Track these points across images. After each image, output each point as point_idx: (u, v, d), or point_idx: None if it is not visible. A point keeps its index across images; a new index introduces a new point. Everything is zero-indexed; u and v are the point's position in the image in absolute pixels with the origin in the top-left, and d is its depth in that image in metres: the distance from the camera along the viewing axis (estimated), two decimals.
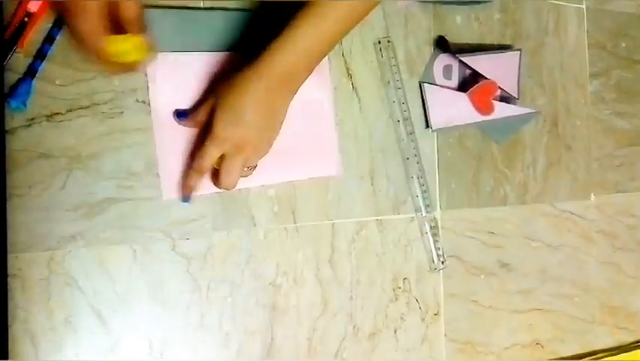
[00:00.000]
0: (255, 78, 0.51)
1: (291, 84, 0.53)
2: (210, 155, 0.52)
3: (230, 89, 0.52)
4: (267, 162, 0.57)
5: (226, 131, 0.51)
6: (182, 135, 0.56)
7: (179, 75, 0.56)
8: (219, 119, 0.51)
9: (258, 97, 0.51)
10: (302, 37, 0.51)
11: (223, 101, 0.52)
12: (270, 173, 0.59)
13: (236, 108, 0.51)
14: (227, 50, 0.58)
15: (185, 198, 0.56)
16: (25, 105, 0.50)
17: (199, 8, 0.58)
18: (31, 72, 0.51)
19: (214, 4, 0.59)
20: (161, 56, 0.53)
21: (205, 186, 0.57)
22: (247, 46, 0.57)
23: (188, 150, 0.57)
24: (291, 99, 0.54)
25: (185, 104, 0.57)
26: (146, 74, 0.55)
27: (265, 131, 0.53)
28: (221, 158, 0.53)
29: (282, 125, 0.55)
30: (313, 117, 0.63)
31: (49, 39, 0.51)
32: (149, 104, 0.56)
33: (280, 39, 0.51)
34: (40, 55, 0.51)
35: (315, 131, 0.63)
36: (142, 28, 0.47)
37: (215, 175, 0.55)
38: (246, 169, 0.55)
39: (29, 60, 0.51)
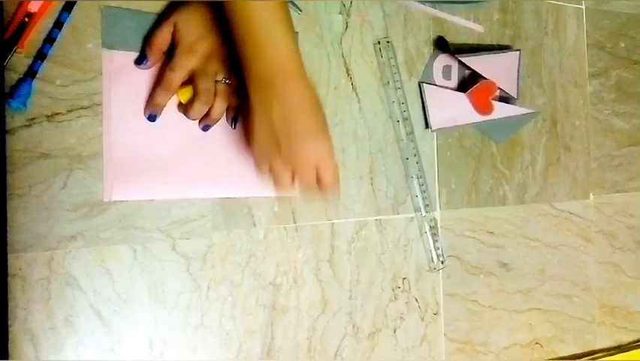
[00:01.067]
0: None
1: None
2: (180, 66, 0.52)
3: (192, 4, 0.52)
4: (225, 177, 0.57)
5: (194, 42, 0.52)
6: (133, 136, 0.55)
7: (133, 74, 0.55)
8: (184, 32, 0.52)
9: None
10: None
11: (186, 16, 0.52)
12: (226, 188, 0.59)
13: (201, 19, 0.52)
14: None
15: (152, 116, 0.55)
16: (25, 106, 0.50)
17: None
18: (31, 73, 0.51)
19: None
20: (115, 54, 0.54)
21: (205, 191, 0.56)
22: None
23: (136, 146, 0.55)
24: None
25: (138, 102, 0.55)
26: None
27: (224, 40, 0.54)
28: (193, 84, 0.53)
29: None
30: None
31: (49, 39, 0.51)
32: None
33: None
34: (41, 55, 0.51)
35: None
36: None
37: (187, 106, 0.54)
38: (224, 82, 0.54)
39: (30, 60, 0.51)
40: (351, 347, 0.66)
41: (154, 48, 0.54)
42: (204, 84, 0.53)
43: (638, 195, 0.89)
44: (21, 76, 0.51)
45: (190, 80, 0.54)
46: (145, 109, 0.55)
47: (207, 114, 0.55)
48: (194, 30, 0.52)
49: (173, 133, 0.56)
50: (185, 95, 0.55)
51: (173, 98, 0.55)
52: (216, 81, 0.54)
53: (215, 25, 0.53)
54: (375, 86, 0.68)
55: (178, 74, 0.52)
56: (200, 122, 0.56)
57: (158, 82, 0.54)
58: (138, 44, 0.55)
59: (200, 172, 0.57)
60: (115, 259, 0.54)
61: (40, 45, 0.51)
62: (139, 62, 0.54)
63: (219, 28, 0.53)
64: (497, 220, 0.76)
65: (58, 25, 0.52)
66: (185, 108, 0.55)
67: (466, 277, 0.74)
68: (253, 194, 0.61)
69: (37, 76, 0.51)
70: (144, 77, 0.55)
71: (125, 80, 0.54)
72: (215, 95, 0.54)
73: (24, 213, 0.51)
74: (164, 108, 0.55)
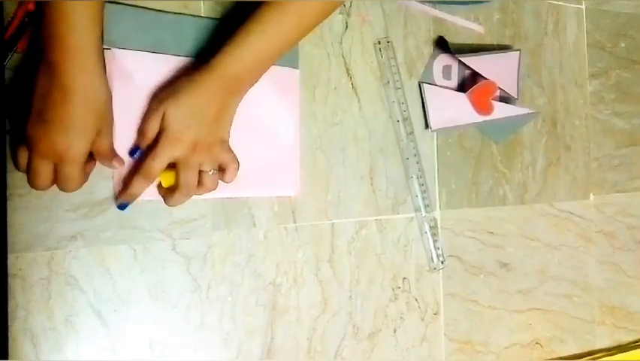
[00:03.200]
0: (207, 80, 0.51)
1: (242, 85, 0.53)
2: (163, 156, 0.50)
3: (182, 91, 0.51)
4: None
5: (180, 131, 0.50)
6: (135, 135, 0.54)
7: (137, 73, 0.55)
8: (172, 120, 0.50)
9: (211, 98, 0.51)
10: (254, 42, 0.51)
11: (175, 104, 0.51)
12: (225, 187, 0.58)
13: (190, 109, 0.50)
14: (188, 56, 0.57)
15: (123, 205, 0.53)
16: None
17: (165, 11, 0.57)
18: None
19: (183, 10, 0.58)
20: (119, 52, 0.54)
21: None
22: (213, 53, 0.55)
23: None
24: (240, 100, 0.54)
25: (141, 103, 0.55)
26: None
27: (216, 129, 0.53)
28: (175, 172, 0.52)
29: (243, 142, 0.57)
30: (276, 136, 0.62)
31: None
32: None
33: (233, 43, 0.51)
34: None
35: (276, 150, 0.62)
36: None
37: (169, 191, 0.53)
38: (211, 172, 0.53)
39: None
40: (351, 347, 0.66)
41: (146, 138, 0.52)
42: (187, 176, 0.52)
43: (639, 195, 0.89)
44: None
45: (173, 164, 0.52)
46: (118, 196, 0.54)
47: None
48: (181, 119, 0.50)
49: None
50: (167, 179, 0.53)
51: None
52: (202, 171, 0.53)
53: (204, 115, 0.51)
54: (376, 86, 0.68)
55: (159, 164, 0.51)
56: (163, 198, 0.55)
57: (136, 168, 0.52)
58: (140, 42, 0.55)
59: None
60: (115, 259, 0.54)
61: None
62: (132, 153, 0.53)
63: (209, 117, 0.52)
64: (497, 220, 0.76)
65: None
66: (164, 192, 0.54)
67: (466, 277, 0.74)
68: (253, 194, 0.61)
69: None
70: (147, 76, 0.55)
71: (127, 78, 0.54)
72: (198, 184, 0.53)
73: (24, 213, 0.51)
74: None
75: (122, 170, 0.54)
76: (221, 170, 0.55)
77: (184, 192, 0.53)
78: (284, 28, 0.52)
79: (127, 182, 0.53)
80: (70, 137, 0.46)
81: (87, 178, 0.51)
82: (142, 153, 0.53)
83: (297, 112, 0.63)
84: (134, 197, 0.53)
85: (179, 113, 0.50)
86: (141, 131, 0.53)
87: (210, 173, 0.53)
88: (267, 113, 0.61)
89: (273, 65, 0.55)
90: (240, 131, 0.59)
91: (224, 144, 0.54)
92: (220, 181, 0.55)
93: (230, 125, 0.55)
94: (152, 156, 0.51)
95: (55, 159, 0.47)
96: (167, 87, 0.53)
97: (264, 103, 0.61)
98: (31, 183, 0.48)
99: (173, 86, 0.52)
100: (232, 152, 0.55)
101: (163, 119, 0.51)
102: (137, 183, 0.52)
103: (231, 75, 0.51)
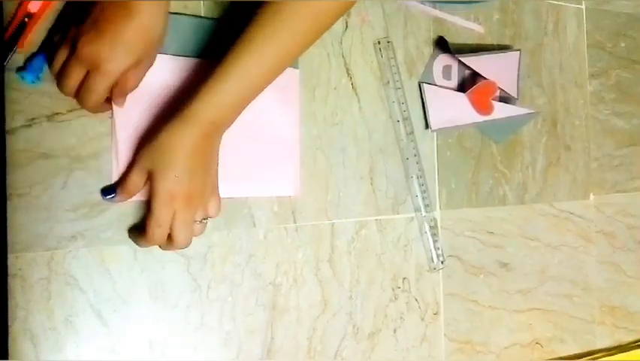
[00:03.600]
0: (187, 130, 0.49)
1: (221, 128, 0.52)
2: (165, 219, 0.50)
3: (163, 148, 0.50)
4: (222, 176, 0.55)
5: (173, 189, 0.49)
6: (137, 136, 0.54)
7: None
8: (161, 180, 0.49)
9: (193, 147, 0.50)
10: (229, 84, 0.49)
11: (160, 163, 0.50)
12: (225, 186, 0.57)
13: (175, 165, 0.49)
14: (191, 56, 0.57)
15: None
16: (39, 79, 0.51)
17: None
18: (44, 47, 0.51)
19: (182, 9, 0.58)
20: None
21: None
22: (213, 53, 0.56)
23: (139, 147, 0.53)
24: (221, 139, 0.53)
25: (144, 104, 0.55)
26: None
27: (205, 176, 0.52)
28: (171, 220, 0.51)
29: (243, 142, 0.57)
30: (276, 136, 0.62)
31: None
32: None
33: (207, 86, 0.49)
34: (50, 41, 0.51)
35: (276, 150, 0.62)
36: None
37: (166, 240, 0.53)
38: (199, 222, 0.52)
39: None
40: (351, 347, 0.66)
41: (125, 191, 0.52)
42: (182, 234, 0.51)
43: (639, 196, 0.89)
44: (34, 50, 0.51)
45: None
46: (138, 241, 0.54)
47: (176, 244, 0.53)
48: (170, 176, 0.49)
49: None
50: None
51: None
52: (195, 221, 0.52)
53: (192, 165, 0.50)
54: (376, 86, 0.68)
55: (165, 229, 0.50)
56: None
57: (147, 233, 0.51)
58: None
59: None
60: (115, 259, 0.54)
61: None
62: (105, 193, 0.53)
63: (196, 166, 0.51)
64: (497, 220, 0.76)
65: None
66: None
67: (466, 277, 0.74)
68: (253, 194, 0.61)
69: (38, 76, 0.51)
70: (151, 79, 0.55)
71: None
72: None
73: (24, 213, 0.51)
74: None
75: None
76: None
77: (181, 247, 0.52)
78: (264, 63, 0.50)
79: (140, 238, 0.53)
80: (116, 52, 0.47)
81: (105, 109, 0.52)
82: (115, 198, 0.53)
83: (297, 112, 0.63)
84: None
85: (166, 171, 0.49)
86: (123, 185, 0.52)
87: (200, 222, 0.53)
88: (267, 113, 0.61)
89: None
90: (239, 131, 0.59)
91: (214, 186, 0.53)
92: (220, 181, 0.55)
93: (217, 166, 0.53)
94: (155, 223, 0.50)
95: (92, 67, 0.47)
96: (148, 140, 0.51)
97: (263, 103, 0.61)
98: (60, 84, 0.49)
99: (154, 141, 0.50)
100: (217, 191, 0.54)
101: (152, 180, 0.50)
102: (144, 245, 0.53)
103: (212, 121, 0.50)
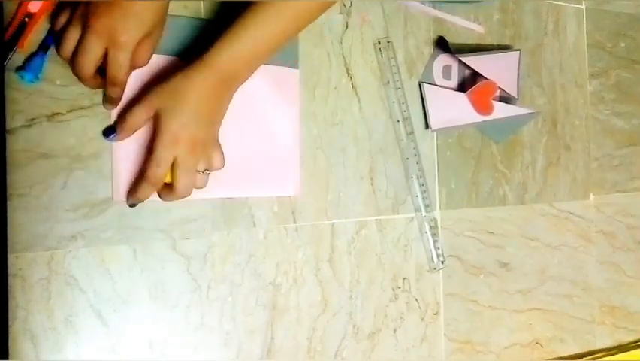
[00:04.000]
0: (203, 77, 0.50)
1: (235, 81, 0.53)
2: (165, 160, 0.50)
3: (176, 89, 0.50)
4: (222, 176, 0.55)
5: (178, 132, 0.50)
6: (138, 133, 0.54)
7: (137, 75, 0.54)
8: (169, 121, 0.50)
9: (206, 93, 0.51)
10: (251, 36, 0.51)
11: (170, 103, 0.50)
12: (224, 187, 0.58)
13: (186, 107, 0.50)
14: (175, 55, 0.57)
15: (134, 204, 0.54)
16: (38, 78, 0.51)
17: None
18: (43, 47, 0.51)
19: (182, 10, 0.58)
20: None
21: (205, 191, 0.56)
22: (191, 52, 0.56)
23: (141, 152, 0.54)
24: (232, 96, 0.54)
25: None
26: None
27: (211, 126, 0.53)
28: (173, 166, 0.51)
29: (243, 142, 0.58)
30: (276, 137, 0.62)
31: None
32: None
33: (225, 38, 0.51)
34: (52, 31, 0.51)
35: (276, 150, 0.62)
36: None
37: (166, 188, 0.53)
38: (201, 172, 0.53)
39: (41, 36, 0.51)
40: (351, 347, 0.66)
41: (126, 127, 0.52)
42: (185, 180, 0.51)
43: (639, 195, 0.89)
44: (34, 50, 0.51)
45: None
46: (128, 198, 0.54)
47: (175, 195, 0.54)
48: (178, 118, 0.50)
49: None
50: (167, 176, 0.53)
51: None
52: (197, 172, 0.53)
53: (200, 113, 0.51)
54: (376, 85, 0.68)
55: (163, 170, 0.51)
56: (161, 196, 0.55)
57: (142, 174, 0.52)
58: None
59: None
60: (115, 259, 0.54)
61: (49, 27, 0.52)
62: (107, 134, 0.53)
63: (205, 115, 0.51)
64: (497, 220, 0.76)
65: None
66: (160, 187, 0.53)
67: (466, 277, 0.74)
68: (253, 194, 0.61)
69: (48, 51, 0.51)
70: (151, 77, 0.55)
71: (130, 80, 0.54)
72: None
73: (24, 213, 0.51)
74: None
75: (121, 170, 0.54)
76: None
77: (181, 194, 0.52)
78: (280, 22, 0.52)
79: (133, 185, 0.53)
80: (129, 23, 0.47)
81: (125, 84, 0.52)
82: (116, 137, 0.53)
83: (297, 112, 0.63)
84: (142, 200, 0.53)
85: (176, 112, 0.50)
86: (124, 120, 0.52)
87: (203, 173, 0.53)
88: (267, 114, 0.61)
89: (274, 65, 0.54)
90: (239, 131, 0.60)
91: (216, 139, 0.54)
92: (220, 181, 0.55)
93: (222, 120, 0.54)
94: (154, 163, 0.50)
95: (109, 40, 0.48)
96: (161, 82, 0.52)
97: (263, 103, 0.61)
98: (78, 63, 0.49)
99: (167, 82, 0.51)
100: (219, 145, 0.55)
101: (158, 120, 0.50)
102: (143, 189, 0.52)
103: (227, 70, 0.51)
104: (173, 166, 0.51)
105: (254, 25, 0.51)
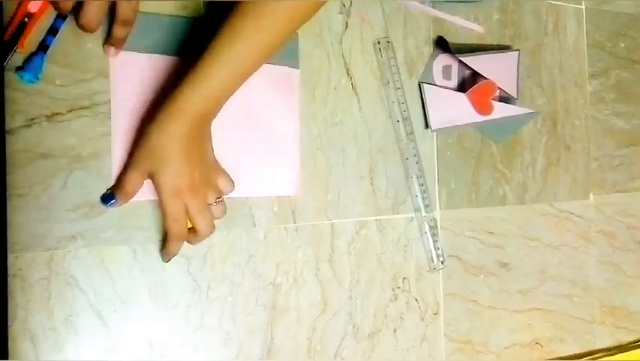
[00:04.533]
0: (175, 125, 0.50)
1: (209, 117, 0.53)
2: (178, 212, 0.51)
3: (157, 148, 0.50)
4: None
5: (176, 183, 0.50)
6: (137, 135, 0.54)
7: (138, 74, 0.55)
8: (163, 178, 0.50)
9: (185, 140, 0.50)
10: (214, 75, 0.50)
11: (157, 163, 0.50)
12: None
13: (171, 162, 0.50)
14: (175, 55, 0.57)
15: (169, 260, 0.55)
16: (38, 78, 0.51)
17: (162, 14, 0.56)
18: (43, 47, 0.51)
19: (158, 10, 0.57)
20: (122, 54, 0.54)
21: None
22: (190, 52, 0.55)
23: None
24: (211, 125, 0.54)
25: (144, 102, 0.55)
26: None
27: (203, 161, 0.53)
28: (187, 213, 0.52)
29: (243, 142, 0.59)
30: (276, 136, 0.62)
31: (60, 16, 0.52)
32: None
33: (193, 77, 0.50)
34: (53, 30, 0.51)
35: (276, 150, 0.62)
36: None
37: (191, 233, 0.53)
38: (215, 204, 0.54)
39: (41, 37, 0.51)
40: (351, 347, 0.66)
41: (124, 194, 0.52)
42: (202, 221, 0.52)
43: (639, 195, 0.89)
44: (33, 50, 0.51)
45: None
46: (162, 256, 0.56)
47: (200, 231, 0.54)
48: (169, 173, 0.50)
49: None
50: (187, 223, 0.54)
51: None
52: (209, 204, 0.53)
53: (189, 157, 0.51)
54: (375, 86, 0.68)
55: (181, 222, 0.52)
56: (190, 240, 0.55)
57: (167, 234, 0.53)
58: (143, 44, 0.55)
59: None
60: (115, 260, 0.54)
61: (52, 21, 0.51)
62: (106, 201, 0.53)
63: (193, 156, 0.51)
64: (497, 220, 0.76)
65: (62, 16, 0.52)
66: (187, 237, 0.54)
67: (466, 277, 0.74)
68: (253, 194, 0.61)
69: (48, 51, 0.51)
70: (150, 77, 0.55)
71: (130, 79, 0.54)
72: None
73: (24, 214, 0.51)
74: None
75: (121, 170, 0.54)
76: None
77: (206, 233, 0.53)
78: (248, 52, 0.51)
79: (163, 244, 0.55)
80: None
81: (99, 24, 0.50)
82: (115, 203, 0.53)
83: (297, 112, 0.63)
84: (176, 254, 0.55)
85: (165, 169, 0.50)
86: (122, 187, 0.52)
87: (216, 203, 0.54)
88: (267, 113, 0.61)
89: (273, 64, 0.54)
90: (239, 132, 0.60)
91: (215, 165, 0.55)
92: None
93: (212, 147, 0.54)
94: (171, 219, 0.51)
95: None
96: (141, 142, 0.51)
97: (263, 103, 0.61)
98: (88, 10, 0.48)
99: (147, 141, 0.50)
100: (222, 168, 0.55)
101: (153, 179, 0.51)
102: (173, 245, 0.53)
103: (199, 113, 0.50)
104: (187, 213, 0.52)
105: (218, 61, 0.50)
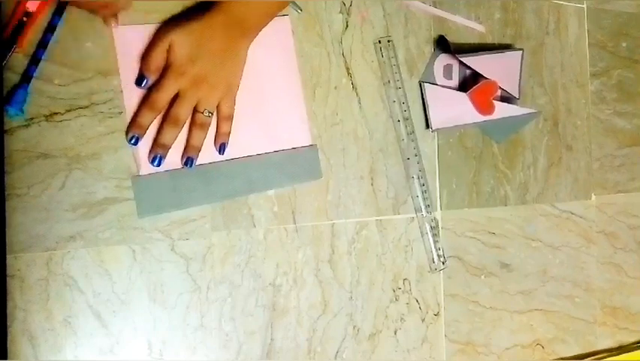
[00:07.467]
0: (213, 16, 0.52)
1: (249, 28, 0.54)
2: (167, 88, 0.52)
3: (188, 25, 0.52)
4: (237, 135, 0.57)
5: (184, 64, 0.51)
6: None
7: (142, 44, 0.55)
8: (177, 53, 0.51)
9: (216, 33, 0.52)
10: None
11: (181, 37, 0.51)
12: (241, 145, 0.59)
13: (195, 43, 0.51)
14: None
15: (134, 139, 0.53)
16: (23, 112, 0.51)
17: None
18: (26, 78, 0.51)
19: None
20: (122, 28, 0.54)
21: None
22: None
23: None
24: (250, 43, 0.55)
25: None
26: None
27: (223, 69, 0.53)
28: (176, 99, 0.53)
29: (252, 102, 0.58)
30: (280, 88, 0.62)
31: (43, 44, 0.51)
32: None
33: None
34: (35, 60, 0.51)
35: (283, 103, 0.62)
36: None
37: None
38: (205, 114, 0.54)
39: (24, 66, 0.51)
40: (351, 349, 0.65)
41: (152, 67, 0.53)
42: (178, 108, 0.53)
43: None
44: (17, 82, 0.51)
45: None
46: (128, 130, 0.54)
47: (186, 145, 0.55)
48: (187, 51, 0.51)
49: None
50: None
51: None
52: (197, 111, 0.54)
53: (209, 49, 0.52)
54: (376, 85, 0.68)
55: (163, 95, 0.52)
56: (182, 155, 0.56)
57: (143, 101, 0.53)
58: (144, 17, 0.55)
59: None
60: (114, 260, 0.54)
61: (34, 50, 0.51)
62: (139, 82, 0.53)
63: (214, 53, 0.52)
64: (498, 221, 0.76)
65: (51, 29, 0.52)
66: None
67: (467, 277, 0.73)
68: (270, 149, 0.61)
69: (35, 75, 0.51)
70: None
71: (131, 54, 0.54)
72: (192, 124, 0.54)
73: (23, 214, 0.51)
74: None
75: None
76: (219, 120, 0.56)
77: (171, 123, 0.53)
78: None
79: (135, 116, 0.54)
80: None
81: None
82: (148, 81, 0.53)
83: (294, 58, 0.63)
84: (143, 129, 0.53)
85: (185, 45, 0.51)
86: (146, 60, 0.53)
87: (205, 114, 0.54)
88: (266, 66, 0.61)
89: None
90: (246, 93, 0.59)
91: (230, 92, 0.55)
92: (231, 142, 0.57)
93: (240, 73, 0.55)
94: (156, 88, 0.52)
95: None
96: (174, 19, 0.53)
97: (260, 56, 0.60)
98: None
99: (180, 18, 0.53)
100: (233, 105, 0.56)
101: (169, 52, 0.52)
102: (144, 115, 0.53)
103: (237, 14, 0.52)
104: (175, 99, 0.52)
105: None
